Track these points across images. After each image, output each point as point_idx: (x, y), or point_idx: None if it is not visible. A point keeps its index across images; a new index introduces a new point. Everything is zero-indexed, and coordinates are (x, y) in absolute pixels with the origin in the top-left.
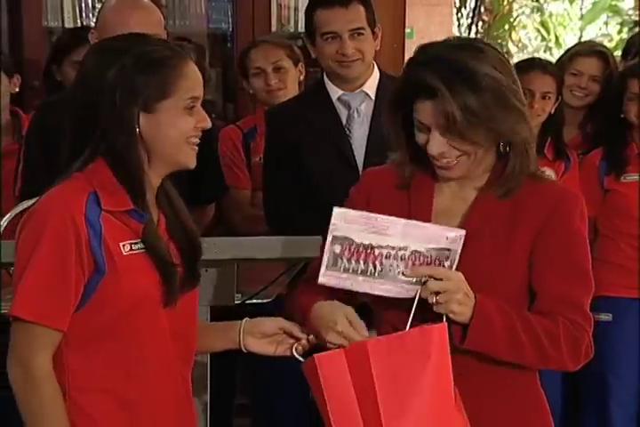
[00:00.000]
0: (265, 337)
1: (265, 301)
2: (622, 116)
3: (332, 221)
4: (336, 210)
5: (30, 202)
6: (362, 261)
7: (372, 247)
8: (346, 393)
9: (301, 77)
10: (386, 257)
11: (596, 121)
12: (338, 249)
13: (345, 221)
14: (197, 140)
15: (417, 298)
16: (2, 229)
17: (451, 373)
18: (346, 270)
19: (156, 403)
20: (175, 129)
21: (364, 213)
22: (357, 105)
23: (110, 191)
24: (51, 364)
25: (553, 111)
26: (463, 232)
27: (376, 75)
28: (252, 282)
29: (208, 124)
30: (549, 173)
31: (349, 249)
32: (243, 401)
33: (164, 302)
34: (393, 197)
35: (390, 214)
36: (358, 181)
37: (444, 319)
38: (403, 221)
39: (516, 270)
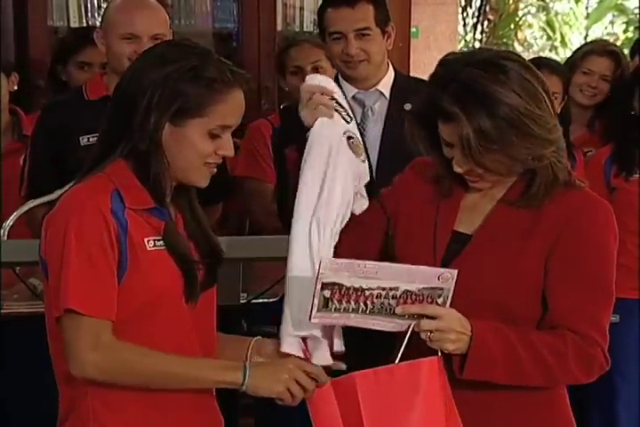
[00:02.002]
0: (274, 358)
1: (270, 300)
2: (633, 113)
3: (320, 270)
4: (323, 260)
5: (36, 201)
6: (352, 302)
7: (363, 290)
8: (333, 423)
9: None
10: (377, 297)
11: (603, 120)
12: (327, 294)
13: (333, 270)
14: (215, 164)
15: (409, 333)
16: (7, 228)
17: (443, 406)
18: (337, 310)
19: (180, 398)
20: (192, 150)
21: (352, 262)
22: (371, 104)
23: (131, 190)
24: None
25: (559, 111)
26: (455, 272)
27: (391, 74)
28: (258, 281)
29: (229, 152)
30: None
31: (339, 292)
32: (247, 401)
33: (186, 298)
34: (426, 188)
35: (420, 206)
36: (371, 179)
37: (439, 353)
38: (392, 265)
39: (530, 278)
